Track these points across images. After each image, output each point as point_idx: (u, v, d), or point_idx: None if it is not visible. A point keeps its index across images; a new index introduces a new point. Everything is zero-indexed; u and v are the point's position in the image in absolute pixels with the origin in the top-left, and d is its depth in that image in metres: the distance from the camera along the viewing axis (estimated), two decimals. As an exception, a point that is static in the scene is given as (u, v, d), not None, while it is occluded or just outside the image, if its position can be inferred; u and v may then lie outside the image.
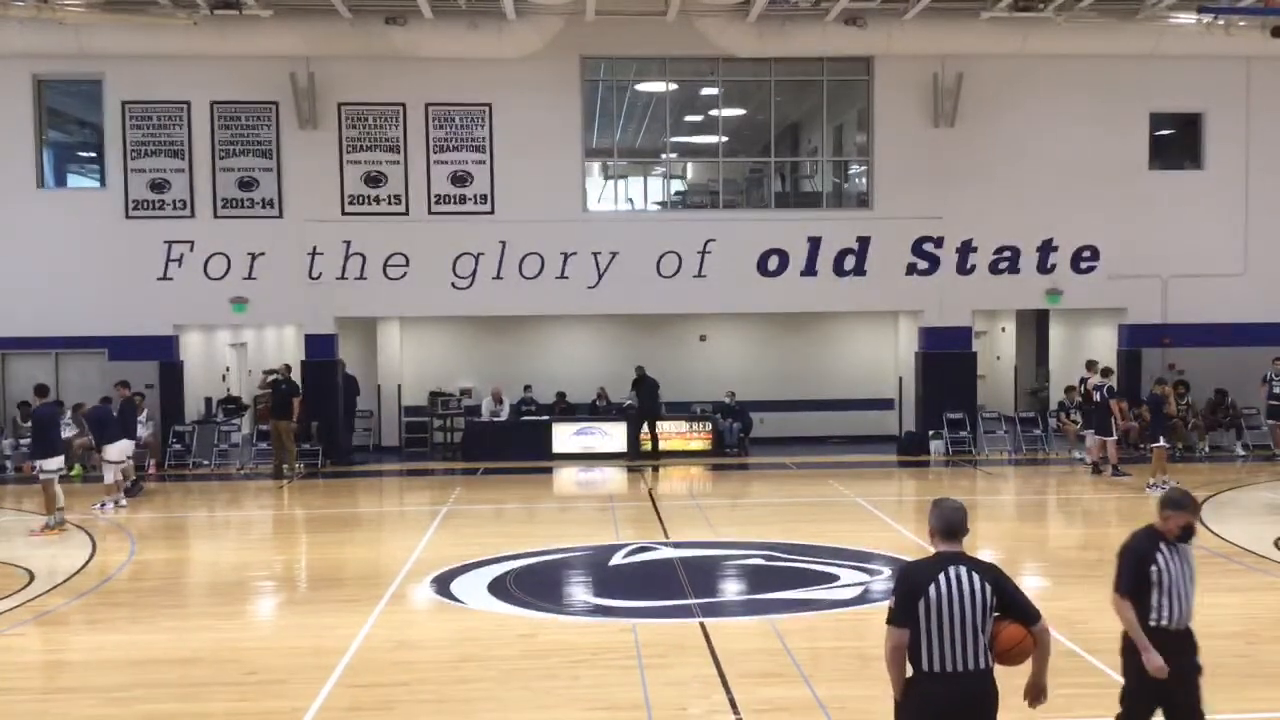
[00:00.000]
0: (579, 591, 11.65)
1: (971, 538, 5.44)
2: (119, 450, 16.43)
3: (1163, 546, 5.93)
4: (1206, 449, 20.97)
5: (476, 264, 20.90)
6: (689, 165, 24.39)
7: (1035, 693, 5.31)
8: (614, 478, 19.71)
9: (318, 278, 20.78)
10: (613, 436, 21.52)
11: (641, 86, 22.11)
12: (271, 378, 20.60)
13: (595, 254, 21.03)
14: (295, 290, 20.77)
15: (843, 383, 23.96)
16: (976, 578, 5.05)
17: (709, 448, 21.68)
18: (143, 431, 18.48)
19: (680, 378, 23.37)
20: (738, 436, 22.20)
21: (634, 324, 23.47)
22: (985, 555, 5.41)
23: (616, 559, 12.64)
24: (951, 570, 5.05)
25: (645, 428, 21.24)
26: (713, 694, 7.99)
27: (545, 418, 22.02)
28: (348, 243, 20.73)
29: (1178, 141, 22.45)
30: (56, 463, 14.90)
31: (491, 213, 20.93)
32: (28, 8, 17.53)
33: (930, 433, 21.38)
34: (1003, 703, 5.14)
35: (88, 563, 12.76)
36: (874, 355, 24.13)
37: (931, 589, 5.01)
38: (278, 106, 20.51)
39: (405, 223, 20.83)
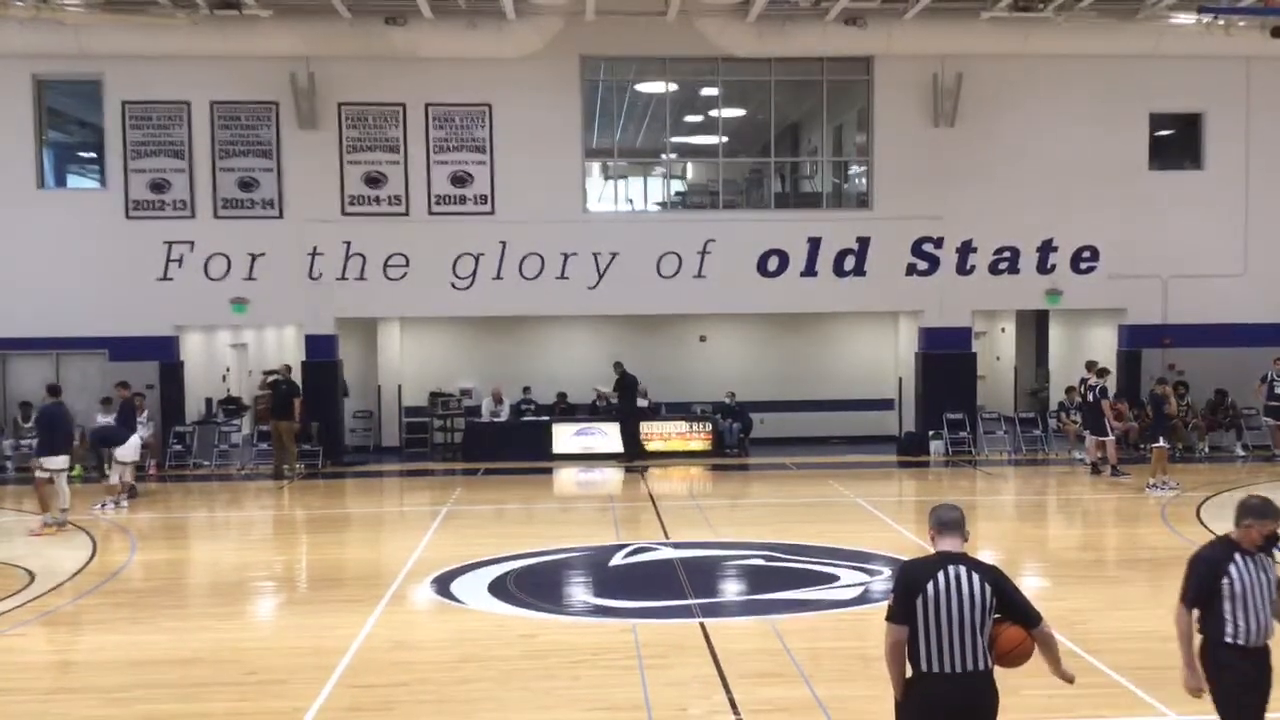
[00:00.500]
0: (579, 592, 11.66)
1: (971, 538, 5.44)
2: (129, 450, 16.42)
3: (1238, 557, 5.60)
4: (1206, 449, 20.97)
5: (476, 264, 20.90)
6: (689, 165, 24.39)
7: (1064, 679, 5.33)
8: (614, 478, 19.70)
9: (318, 278, 20.79)
10: (613, 437, 21.49)
11: (641, 86, 22.11)
12: (271, 378, 20.61)
13: (595, 254, 21.04)
14: (295, 290, 20.77)
15: (843, 383, 23.97)
16: (976, 578, 5.05)
17: (709, 448, 21.68)
18: (143, 432, 18.47)
19: (680, 378, 23.41)
20: (738, 437, 22.20)
21: (634, 324, 23.47)
22: (985, 555, 5.42)
23: (616, 559, 12.64)
24: (950, 569, 5.05)
25: (625, 428, 20.99)
26: (713, 694, 7.99)
27: (545, 418, 22.02)
28: (348, 243, 20.74)
29: (1178, 141, 22.45)
30: (60, 461, 14.92)
31: (491, 213, 20.93)
32: (28, 8, 17.54)
33: (930, 433, 21.39)
34: (1002, 703, 5.14)
35: (88, 563, 12.77)
36: (874, 355, 24.14)
37: (930, 587, 5.01)
38: (278, 106, 20.52)
39: (405, 223, 20.83)
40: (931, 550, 5.30)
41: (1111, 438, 18.34)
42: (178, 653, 9.20)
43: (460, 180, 20.90)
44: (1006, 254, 21.47)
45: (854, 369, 24.06)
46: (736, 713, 7.59)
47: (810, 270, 21.28)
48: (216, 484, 19.36)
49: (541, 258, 20.96)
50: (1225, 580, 5.55)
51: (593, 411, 22.36)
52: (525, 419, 22.10)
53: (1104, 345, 22.41)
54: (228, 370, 23.58)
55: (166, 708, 7.91)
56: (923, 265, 21.42)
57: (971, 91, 20.97)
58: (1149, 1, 19.25)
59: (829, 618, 10.21)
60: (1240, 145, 21.59)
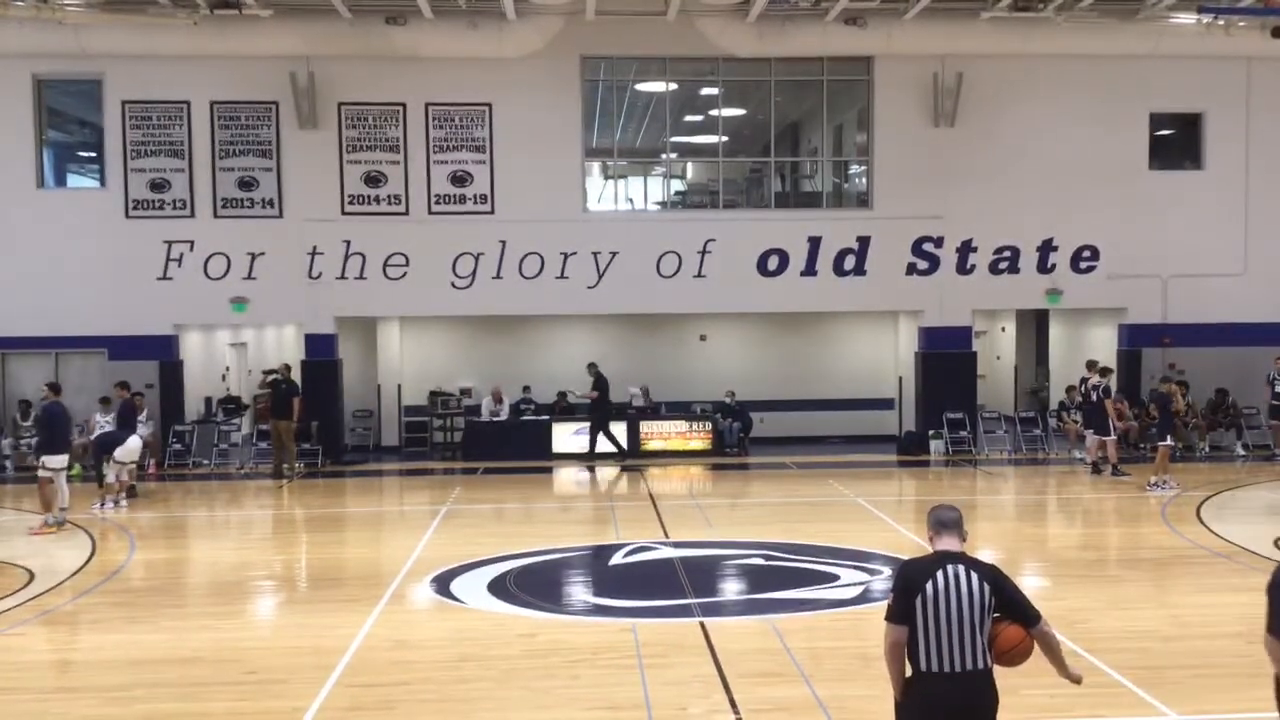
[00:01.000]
0: (579, 591, 11.66)
1: (971, 538, 5.45)
2: (129, 450, 16.42)
3: None
4: (1206, 449, 20.97)
5: (476, 264, 20.90)
6: (689, 165, 24.39)
7: (1071, 679, 5.32)
8: (614, 478, 19.69)
9: (318, 277, 20.78)
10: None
11: (641, 86, 22.10)
12: (271, 378, 20.60)
13: (595, 254, 21.03)
14: (295, 290, 20.77)
15: (843, 383, 23.97)
16: (975, 577, 5.04)
17: (709, 447, 21.68)
18: (143, 431, 18.48)
19: (680, 377, 23.41)
20: (738, 436, 22.20)
21: (634, 324, 23.47)
22: (985, 555, 5.43)
23: (616, 559, 12.64)
24: (949, 568, 5.05)
25: (598, 429, 20.93)
26: (713, 694, 7.98)
27: (545, 417, 22.01)
28: (348, 242, 20.73)
29: (1178, 141, 22.45)
30: (60, 460, 14.91)
31: (491, 213, 20.93)
32: (28, 8, 17.53)
33: (930, 432, 21.38)
34: (1002, 703, 5.13)
35: (88, 562, 12.76)
36: (874, 355, 24.14)
37: (928, 586, 5.00)
38: (278, 106, 20.51)
39: (405, 223, 20.83)
40: (930, 551, 5.30)
41: (1113, 437, 18.35)
42: (177, 652, 9.20)
43: (460, 180, 20.89)
44: (1007, 254, 21.47)
45: (854, 368, 24.06)
46: (736, 712, 7.59)
47: (810, 270, 21.27)
48: (216, 483, 19.36)
49: (541, 257, 20.96)
50: None
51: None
52: (525, 418, 22.09)
53: (1104, 345, 22.41)
54: (227, 369, 23.59)
55: (166, 707, 7.90)
56: (923, 265, 21.41)
57: (971, 91, 20.97)
58: (1149, 1, 19.25)
59: (829, 617, 10.21)
60: (1240, 145, 21.59)
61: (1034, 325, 26.39)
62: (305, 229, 20.67)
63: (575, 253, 21.00)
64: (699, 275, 21.16)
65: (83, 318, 20.34)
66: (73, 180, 22.60)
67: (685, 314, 22.77)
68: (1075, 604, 10.30)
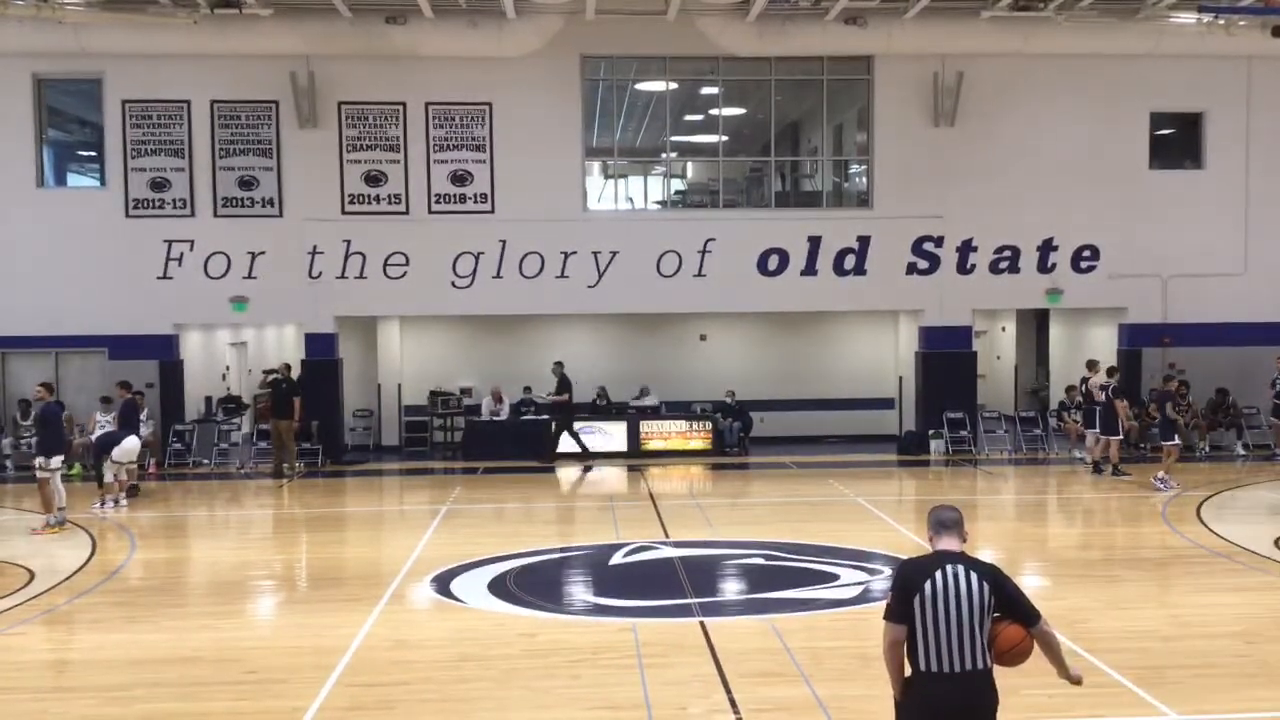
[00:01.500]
0: (579, 591, 11.66)
1: (972, 538, 5.44)
2: (125, 450, 16.42)
3: None
4: (1206, 449, 20.97)
5: (476, 263, 20.90)
6: (689, 165, 24.39)
7: (1071, 680, 5.31)
8: (614, 477, 19.71)
9: (318, 277, 20.78)
10: (613, 436, 21.53)
11: (641, 86, 22.10)
12: (271, 377, 20.60)
13: (595, 253, 21.03)
14: (295, 289, 20.76)
15: (843, 382, 23.96)
16: (974, 576, 5.03)
17: (709, 447, 21.68)
18: (143, 430, 18.47)
19: (680, 377, 23.42)
20: (738, 436, 22.20)
21: (634, 324, 23.47)
22: (986, 555, 5.41)
23: (616, 559, 12.64)
24: (948, 568, 5.04)
25: (562, 429, 20.87)
26: (713, 694, 7.98)
27: (545, 417, 22.00)
28: (348, 242, 20.73)
29: (1178, 141, 22.44)
30: (57, 461, 14.90)
31: (491, 212, 20.93)
32: (28, 7, 17.53)
33: (930, 432, 21.38)
34: (1002, 703, 5.13)
35: (88, 562, 12.76)
36: (874, 355, 24.13)
37: (927, 586, 5.00)
38: (278, 106, 20.51)
39: (405, 222, 20.83)
40: (930, 551, 5.30)
41: (1119, 437, 18.35)
42: (177, 652, 9.20)
43: (460, 179, 20.89)
44: (1007, 253, 21.47)
45: (854, 368, 24.06)
46: (736, 712, 7.59)
47: (810, 269, 21.27)
48: (216, 483, 19.35)
49: (541, 257, 20.96)
50: None
51: (593, 410, 22.32)
52: (525, 418, 22.09)
53: (1104, 344, 22.40)
54: (227, 369, 23.60)
55: (166, 706, 7.90)
56: (923, 264, 21.41)
57: (971, 91, 20.97)
58: (1149, 1, 19.24)
59: (829, 617, 10.21)
60: (1240, 145, 21.59)
61: (1034, 325, 26.39)
62: (305, 228, 20.67)
63: (575, 252, 21.00)
64: (699, 275, 21.16)
65: (83, 317, 20.34)
66: (73, 180, 22.59)
67: (685, 314, 22.77)
68: (1075, 604, 10.30)
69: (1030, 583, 11.17)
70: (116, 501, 16.21)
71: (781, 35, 20.09)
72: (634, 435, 21.52)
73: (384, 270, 20.82)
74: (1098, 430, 18.66)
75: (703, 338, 24.08)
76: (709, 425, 21.85)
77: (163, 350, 20.67)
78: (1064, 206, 21.35)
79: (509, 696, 7.99)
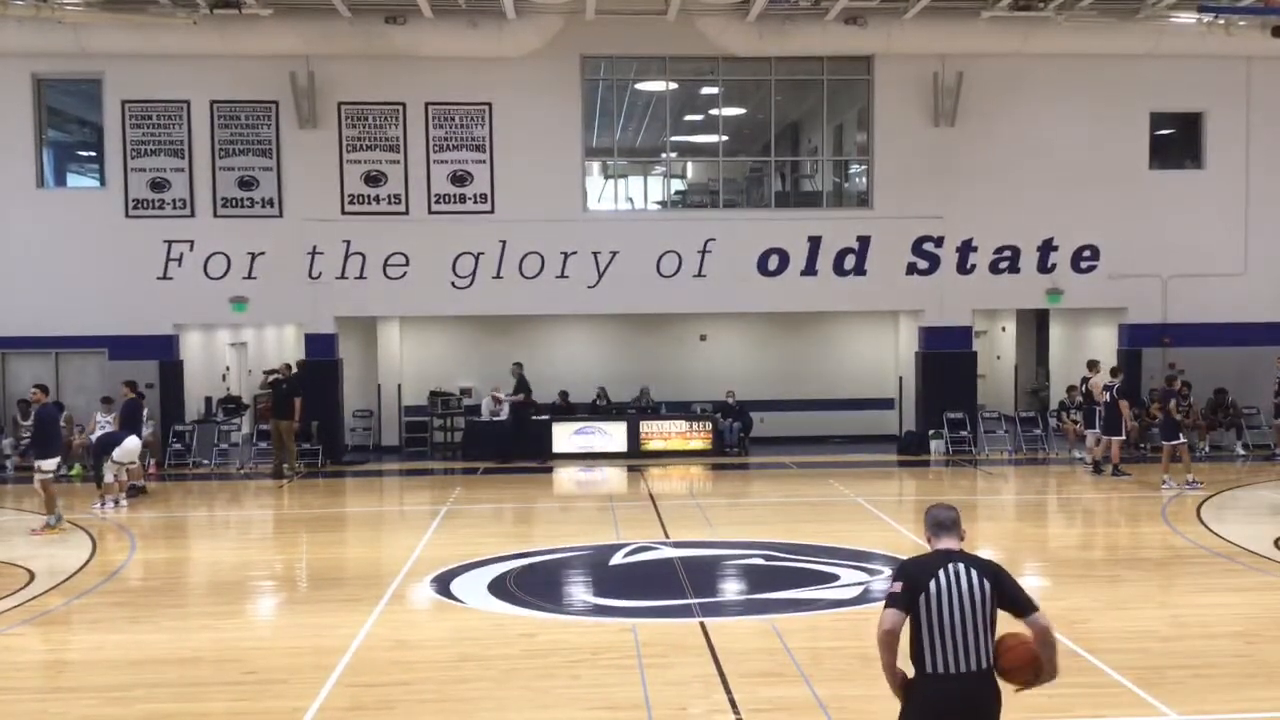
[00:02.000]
0: (579, 591, 11.66)
1: (972, 538, 5.45)
2: (126, 450, 16.41)
3: None
4: (1206, 449, 20.96)
5: (476, 263, 20.90)
6: (689, 165, 24.39)
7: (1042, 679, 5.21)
8: (614, 477, 19.70)
9: (318, 277, 20.78)
10: (613, 436, 21.53)
11: (641, 86, 22.11)
12: (272, 378, 20.58)
13: (595, 254, 21.03)
14: (295, 290, 20.76)
15: (843, 382, 23.96)
16: (975, 574, 5.03)
17: (709, 447, 21.68)
18: (144, 431, 18.45)
19: (680, 377, 23.42)
20: (738, 436, 22.20)
21: (634, 324, 23.47)
22: (987, 555, 5.36)
23: (616, 559, 12.63)
24: (951, 568, 5.03)
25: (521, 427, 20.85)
26: (713, 694, 7.98)
27: (545, 417, 22.01)
28: (348, 242, 20.73)
29: (1178, 141, 22.45)
30: (53, 463, 14.89)
31: (491, 212, 20.93)
32: (28, 7, 17.53)
33: (930, 432, 21.38)
34: (1005, 704, 5.12)
35: (88, 562, 12.76)
36: (874, 355, 24.13)
37: (931, 584, 4.99)
38: (277, 106, 20.51)
39: (405, 222, 20.83)
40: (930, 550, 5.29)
41: (1122, 437, 18.35)
42: (178, 652, 9.20)
43: (460, 179, 20.89)
44: (1007, 253, 21.47)
45: (854, 368, 24.05)
46: (736, 712, 7.59)
47: (810, 270, 21.27)
48: (216, 483, 19.35)
49: (541, 257, 20.96)
50: None
51: (593, 410, 22.36)
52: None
53: (1104, 345, 22.41)
54: (227, 369, 23.60)
55: (166, 707, 7.90)
56: (923, 264, 21.41)
57: (971, 91, 20.97)
58: (1149, 1, 19.24)
59: (829, 617, 10.21)
60: (1240, 145, 21.59)
61: (1034, 325, 26.39)
62: (305, 229, 20.67)
63: (575, 252, 21.00)
64: (699, 275, 21.16)
65: (83, 318, 20.34)
66: (73, 180, 22.61)
67: (685, 314, 22.76)
68: (1075, 604, 10.30)
69: (1030, 583, 11.16)
70: (116, 502, 16.20)
71: (781, 35, 20.09)
72: (634, 435, 21.52)
73: (384, 270, 20.82)
74: (1099, 430, 18.66)
75: (703, 338, 24.08)
76: (709, 425, 21.85)
77: (163, 350, 20.67)
78: (1064, 206, 21.35)
79: (509, 696, 7.98)
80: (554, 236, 20.93)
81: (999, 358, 26.60)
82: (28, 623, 10.22)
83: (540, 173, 20.86)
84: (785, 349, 24.06)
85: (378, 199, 20.81)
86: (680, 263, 21.14)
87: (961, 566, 5.03)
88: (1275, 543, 12.90)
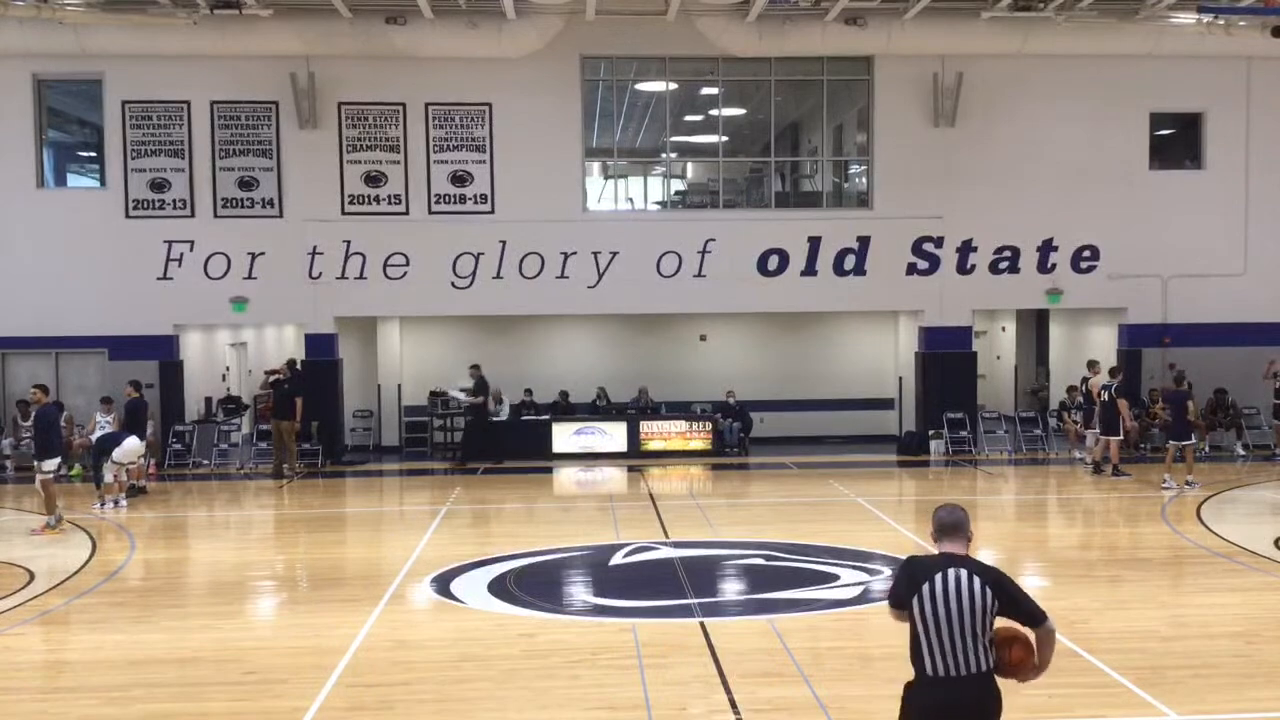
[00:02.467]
0: (579, 591, 11.65)
1: (973, 538, 5.41)
2: (126, 450, 16.41)
3: None
4: (1206, 449, 20.94)
5: (476, 264, 20.90)
6: (689, 165, 24.38)
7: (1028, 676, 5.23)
8: (614, 477, 19.71)
9: (318, 277, 20.78)
10: (613, 436, 21.53)
11: (641, 86, 22.11)
12: (273, 378, 20.57)
13: (595, 254, 21.04)
14: (295, 290, 20.77)
15: (843, 383, 23.96)
16: (976, 580, 5.00)
17: (709, 447, 21.67)
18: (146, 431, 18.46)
19: (680, 377, 23.42)
20: (738, 436, 22.20)
21: (634, 324, 23.48)
22: (985, 555, 5.37)
23: (616, 559, 12.63)
24: (950, 571, 5.01)
25: (477, 427, 20.79)
26: (713, 694, 7.98)
27: (545, 417, 22.01)
28: (348, 242, 20.74)
29: (1178, 141, 22.45)
30: (53, 463, 14.89)
31: (491, 212, 20.94)
32: (28, 8, 17.52)
33: (930, 432, 21.38)
34: (1005, 704, 5.12)
35: (88, 562, 12.76)
36: (874, 355, 24.13)
37: (926, 586, 4.97)
38: (278, 106, 20.52)
39: (405, 222, 20.83)
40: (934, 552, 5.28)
41: (1119, 437, 18.36)
42: (177, 652, 9.20)
43: (460, 180, 20.90)
44: (1007, 253, 21.47)
45: (854, 368, 24.05)
46: (736, 712, 7.58)
47: (810, 270, 21.28)
48: (216, 483, 19.36)
49: (541, 257, 20.97)
50: None
51: (593, 410, 22.36)
52: (525, 418, 22.09)
53: (1104, 345, 22.41)
54: (227, 369, 23.59)
55: (166, 707, 7.90)
56: (923, 265, 21.41)
57: (971, 91, 20.97)
58: (1149, 1, 19.24)
59: (829, 617, 10.20)
60: (1240, 145, 21.59)
61: (1034, 325, 26.39)
62: (305, 229, 20.67)
63: (575, 253, 21.01)
64: (699, 275, 21.16)
65: (83, 318, 20.35)
66: (73, 180, 22.61)
67: (685, 314, 22.77)
68: (1075, 604, 10.29)
69: (1031, 583, 11.17)
70: (116, 502, 16.21)
71: (781, 36, 20.09)
72: (634, 436, 21.52)
73: (384, 270, 20.82)
74: (1098, 430, 18.66)
75: (703, 338, 24.08)
76: (709, 425, 21.85)
77: (163, 350, 20.68)
78: (1064, 206, 21.35)
79: (509, 697, 7.99)
80: (554, 237, 20.93)
81: (999, 358, 26.60)
82: (28, 623, 10.23)
83: (540, 173, 20.86)
84: (785, 349, 24.06)
85: (378, 199, 20.81)
86: (680, 263, 21.14)
87: (963, 572, 5.00)
88: (1275, 543, 12.90)
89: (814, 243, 21.23)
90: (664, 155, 22.85)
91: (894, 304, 22.19)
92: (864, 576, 11.58)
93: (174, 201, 20.57)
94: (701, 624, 9.77)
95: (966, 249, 21.38)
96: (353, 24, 19.40)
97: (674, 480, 19.59)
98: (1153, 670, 8.31)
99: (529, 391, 22.61)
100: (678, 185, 23.54)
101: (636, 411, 22.23)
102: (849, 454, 21.72)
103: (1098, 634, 9.26)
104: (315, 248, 20.70)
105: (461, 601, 10.79)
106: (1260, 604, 10.35)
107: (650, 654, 8.89)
